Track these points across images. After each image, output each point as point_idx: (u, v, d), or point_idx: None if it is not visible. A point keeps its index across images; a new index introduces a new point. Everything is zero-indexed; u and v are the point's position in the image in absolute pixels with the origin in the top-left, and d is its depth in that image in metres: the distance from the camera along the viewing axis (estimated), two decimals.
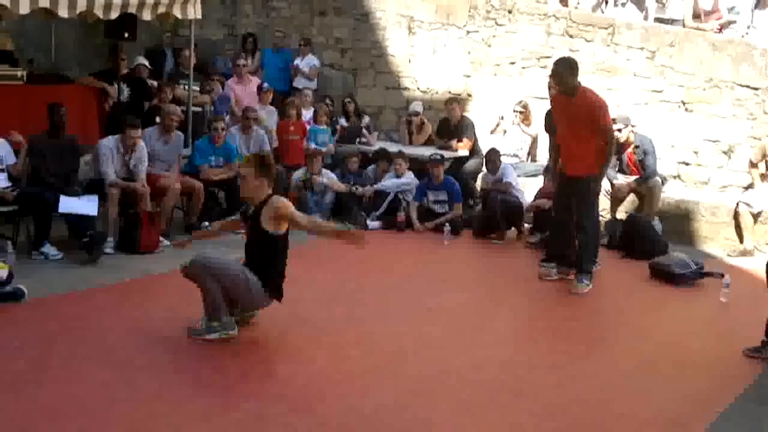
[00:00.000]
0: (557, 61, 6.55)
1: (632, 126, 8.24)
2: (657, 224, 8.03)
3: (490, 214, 8.15)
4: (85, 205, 6.62)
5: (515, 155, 9.59)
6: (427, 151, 9.04)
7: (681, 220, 8.34)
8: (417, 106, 10.17)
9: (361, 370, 4.53)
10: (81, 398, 3.91)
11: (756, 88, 8.68)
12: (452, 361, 4.74)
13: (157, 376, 4.23)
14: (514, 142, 9.71)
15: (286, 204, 4.78)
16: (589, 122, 6.23)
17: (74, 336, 4.77)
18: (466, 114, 9.94)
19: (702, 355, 5.10)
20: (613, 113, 8.48)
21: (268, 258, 4.80)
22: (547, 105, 7.81)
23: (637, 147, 8.16)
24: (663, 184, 8.36)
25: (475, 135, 9.57)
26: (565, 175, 6.48)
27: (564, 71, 6.28)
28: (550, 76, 6.76)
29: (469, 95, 10.48)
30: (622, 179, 8.28)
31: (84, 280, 5.92)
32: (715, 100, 8.93)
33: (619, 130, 7.95)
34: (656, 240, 7.67)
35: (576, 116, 6.25)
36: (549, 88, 7.48)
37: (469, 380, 4.47)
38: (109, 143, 7.01)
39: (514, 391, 4.36)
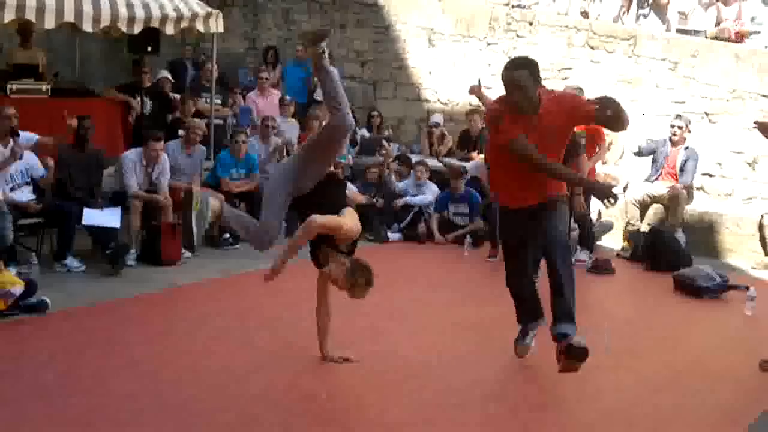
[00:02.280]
0: (510, 64, 4.46)
1: (689, 131, 8.24)
2: (680, 236, 7.96)
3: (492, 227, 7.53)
4: (108, 217, 6.70)
5: None
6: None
7: (705, 232, 8.28)
8: (437, 118, 10.18)
9: (385, 383, 4.51)
10: (109, 410, 3.93)
11: None
12: (477, 374, 4.71)
13: (183, 388, 4.24)
14: None
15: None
16: (566, 129, 4.46)
17: (101, 348, 4.80)
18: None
19: (729, 368, 5.03)
20: (678, 110, 8.58)
21: None
22: None
23: (686, 148, 8.11)
24: (688, 196, 8.28)
25: None
26: (516, 209, 4.62)
27: (527, 82, 4.31)
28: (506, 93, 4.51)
29: None
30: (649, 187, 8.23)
31: (107, 292, 5.96)
32: (738, 111, 8.86)
33: (681, 128, 8.04)
34: (680, 252, 7.61)
35: (547, 131, 4.34)
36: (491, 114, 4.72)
37: (495, 394, 4.45)
38: (132, 156, 7.10)
39: (539, 404, 4.33)
